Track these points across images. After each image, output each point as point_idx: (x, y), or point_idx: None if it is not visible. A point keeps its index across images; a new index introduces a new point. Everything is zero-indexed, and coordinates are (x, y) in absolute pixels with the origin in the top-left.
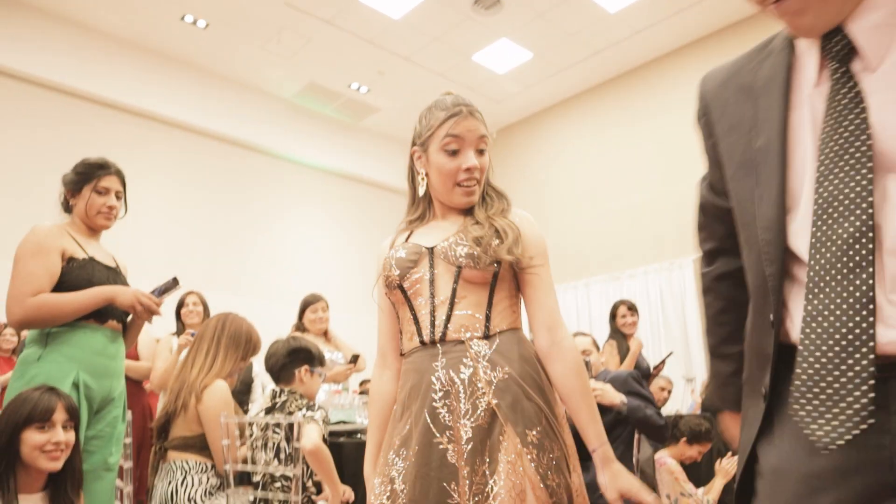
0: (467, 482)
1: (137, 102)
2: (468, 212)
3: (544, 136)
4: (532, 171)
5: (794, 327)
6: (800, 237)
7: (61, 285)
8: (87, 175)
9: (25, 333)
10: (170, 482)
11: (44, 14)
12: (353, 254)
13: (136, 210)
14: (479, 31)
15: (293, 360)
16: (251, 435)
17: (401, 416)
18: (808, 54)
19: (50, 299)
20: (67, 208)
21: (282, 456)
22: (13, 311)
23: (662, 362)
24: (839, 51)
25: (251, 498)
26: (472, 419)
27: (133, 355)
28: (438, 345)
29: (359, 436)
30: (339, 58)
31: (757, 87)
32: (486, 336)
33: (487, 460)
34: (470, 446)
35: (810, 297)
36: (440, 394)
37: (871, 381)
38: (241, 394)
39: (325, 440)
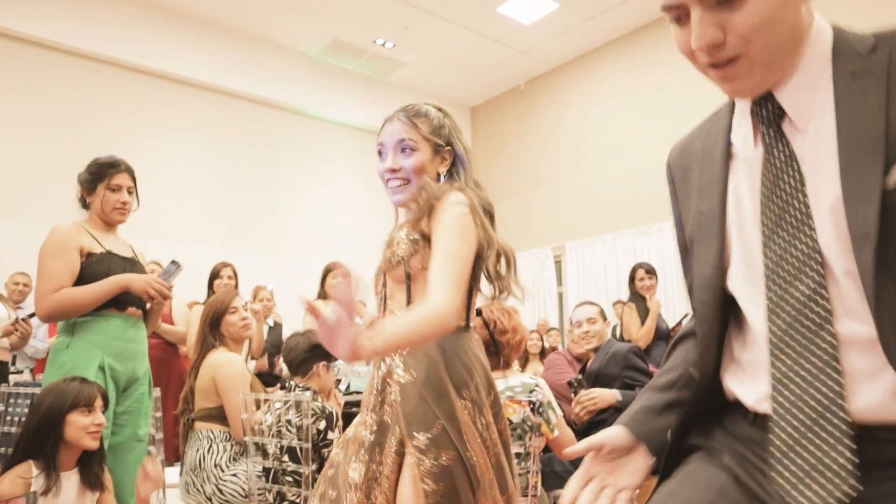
0: (364, 469)
1: (160, 65)
2: None
3: (578, 85)
4: (566, 120)
5: (741, 389)
6: (745, 299)
7: (82, 279)
8: (100, 174)
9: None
10: (197, 450)
11: None
12: (384, 210)
13: (166, 171)
14: None
15: (313, 355)
16: (268, 421)
17: None
18: (744, 118)
19: (69, 293)
20: (85, 205)
21: (295, 451)
22: (39, 307)
23: (679, 323)
24: (767, 115)
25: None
26: (378, 413)
27: (167, 320)
28: None
29: None
30: (362, 14)
31: (704, 153)
32: None
33: (381, 452)
34: (372, 438)
35: (774, 360)
36: (371, 387)
37: (851, 448)
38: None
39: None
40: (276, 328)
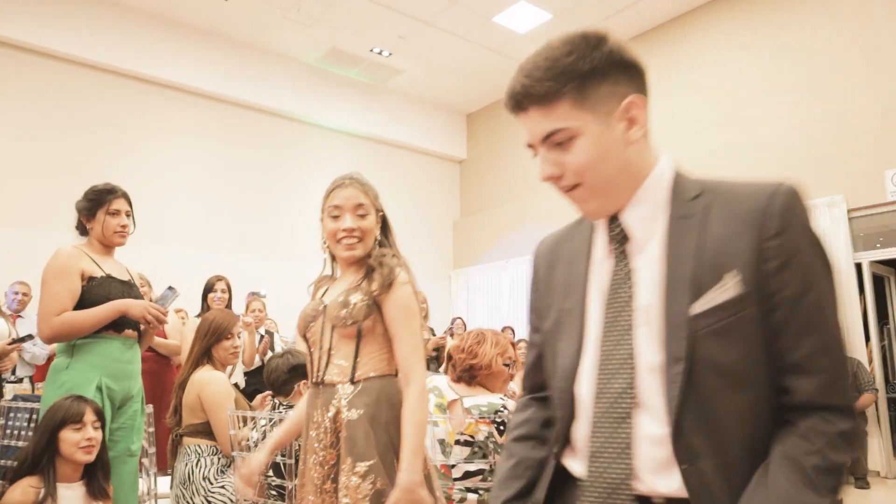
0: (322, 497)
1: (161, 73)
2: (364, 268)
3: None
4: None
5: (577, 462)
6: (583, 384)
7: (83, 302)
8: (99, 200)
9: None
10: (186, 464)
11: None
12: None
13: (166, 178)
14: None
15: (293, 375)
16: (254, 437)
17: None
18: (601, 232)
19: (71, 317)
20: (84, 231)
21: (279, 466)
22: (42, 328)
23: None
24: (616, 235)
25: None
26: (332, 448)
27: (160, 333)
28: (320, 386)
29: None
30: (359, 24)
31: (570, 255)
32: (353, 381)
33: (334, 481)
34: (326, 468)
35: (593, 438)
36: (316, 425)
37: None
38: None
39: None
40: (267, 337)
